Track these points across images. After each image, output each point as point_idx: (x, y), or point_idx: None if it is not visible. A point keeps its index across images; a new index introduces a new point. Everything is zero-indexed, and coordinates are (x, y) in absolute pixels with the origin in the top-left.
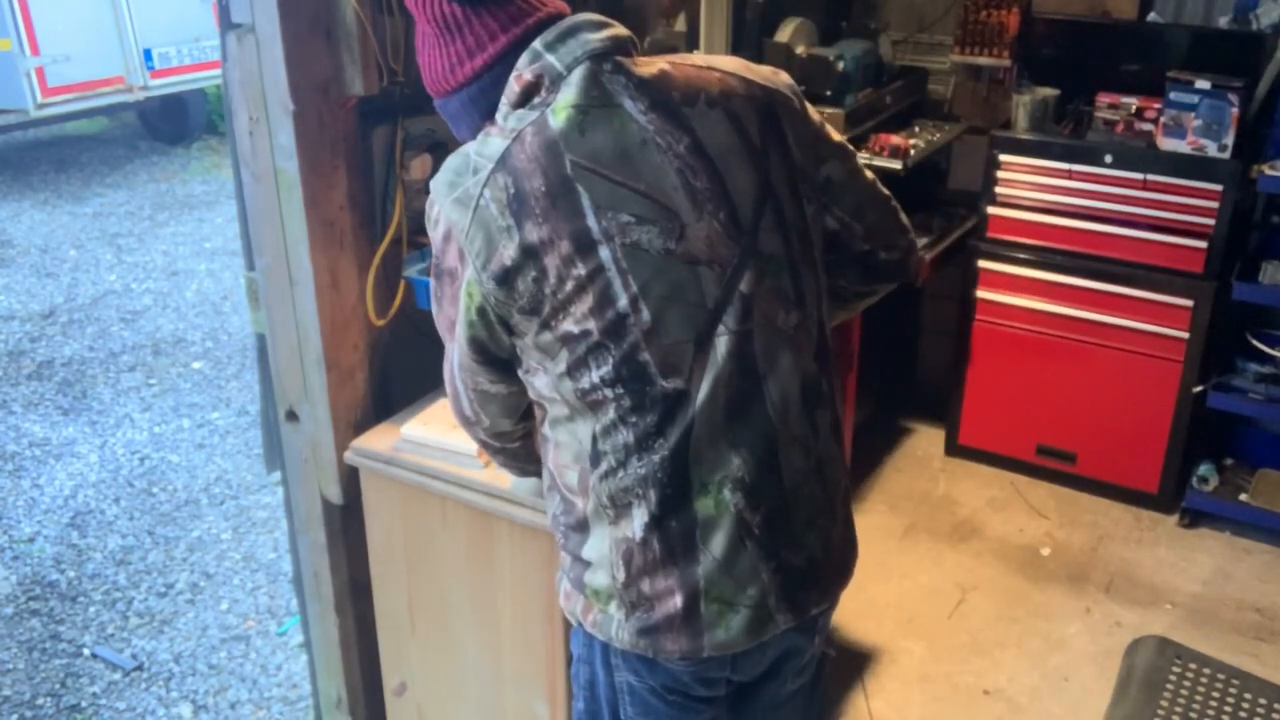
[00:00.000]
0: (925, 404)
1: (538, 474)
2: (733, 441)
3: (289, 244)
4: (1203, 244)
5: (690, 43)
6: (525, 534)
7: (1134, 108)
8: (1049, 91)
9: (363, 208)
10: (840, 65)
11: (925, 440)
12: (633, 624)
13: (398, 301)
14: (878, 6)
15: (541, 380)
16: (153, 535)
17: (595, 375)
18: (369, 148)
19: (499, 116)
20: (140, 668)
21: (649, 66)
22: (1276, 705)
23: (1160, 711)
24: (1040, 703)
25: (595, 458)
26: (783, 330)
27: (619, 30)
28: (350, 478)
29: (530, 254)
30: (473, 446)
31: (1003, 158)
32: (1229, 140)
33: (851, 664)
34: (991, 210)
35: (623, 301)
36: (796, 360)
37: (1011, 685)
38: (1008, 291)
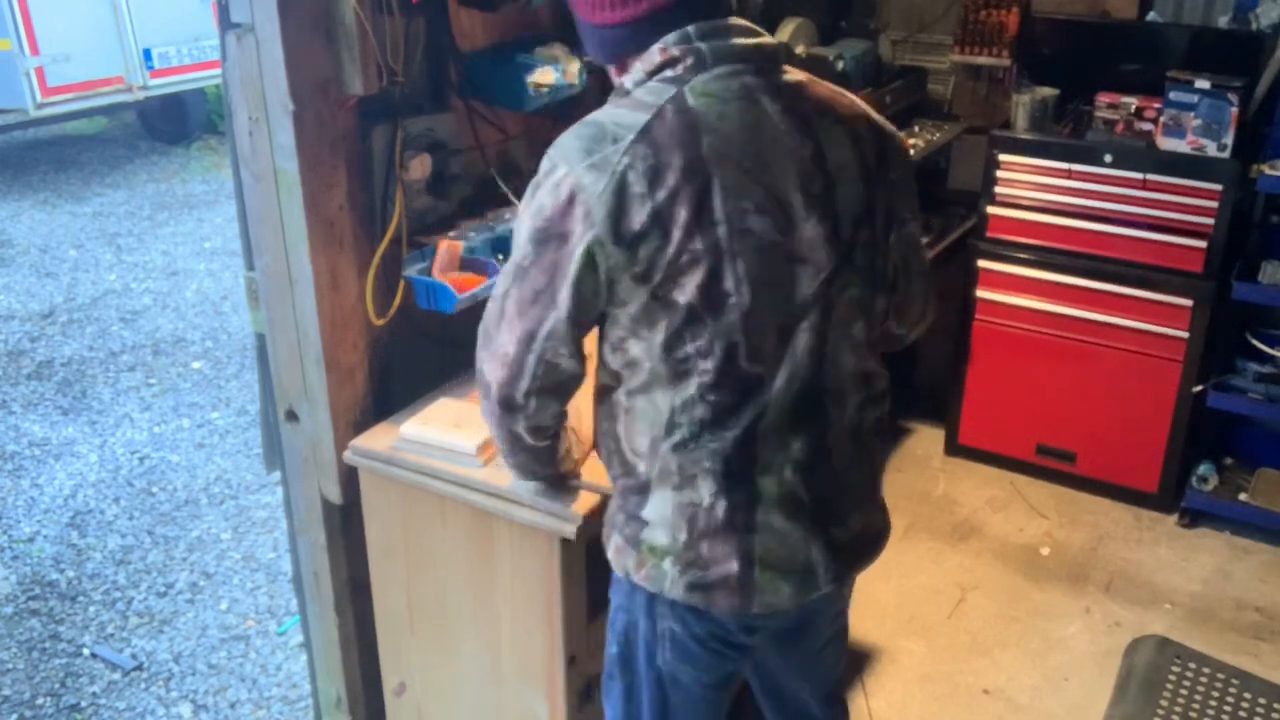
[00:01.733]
0: (925, 404)
1: (546, 478)
2: (795, 428)
3: (289, 244)
4: (1202, 244)
5: None
6: (525, 533)
7: (1133, 107)
8: (1049, 91)
9: (363, 208)
10: (840, 65)
11: (925, 440)
12: (686, 579)
13: (397, 301)
14: (878, 6)
15: (636, 348)
16: (152, 535)
17: (690, 347)
18: (369, 148)
19: (628, 81)
20: (140, 667)
21: (791, 75)
22: (1276, 705)
23: (1160, 711)
24: (1040, 702)
25: (670, 427)
26: (853, 336)
27: (767, 40)
28: (350, 477)
29: (658, 222)
30: (471, 445)
31: (1002, 157)
32: (1228, 140)
33: (852, 663)
34: (991, 210)
35: (729, 281)
36: (858, 364)
37: (1011, 685)
38: (1007, 291)
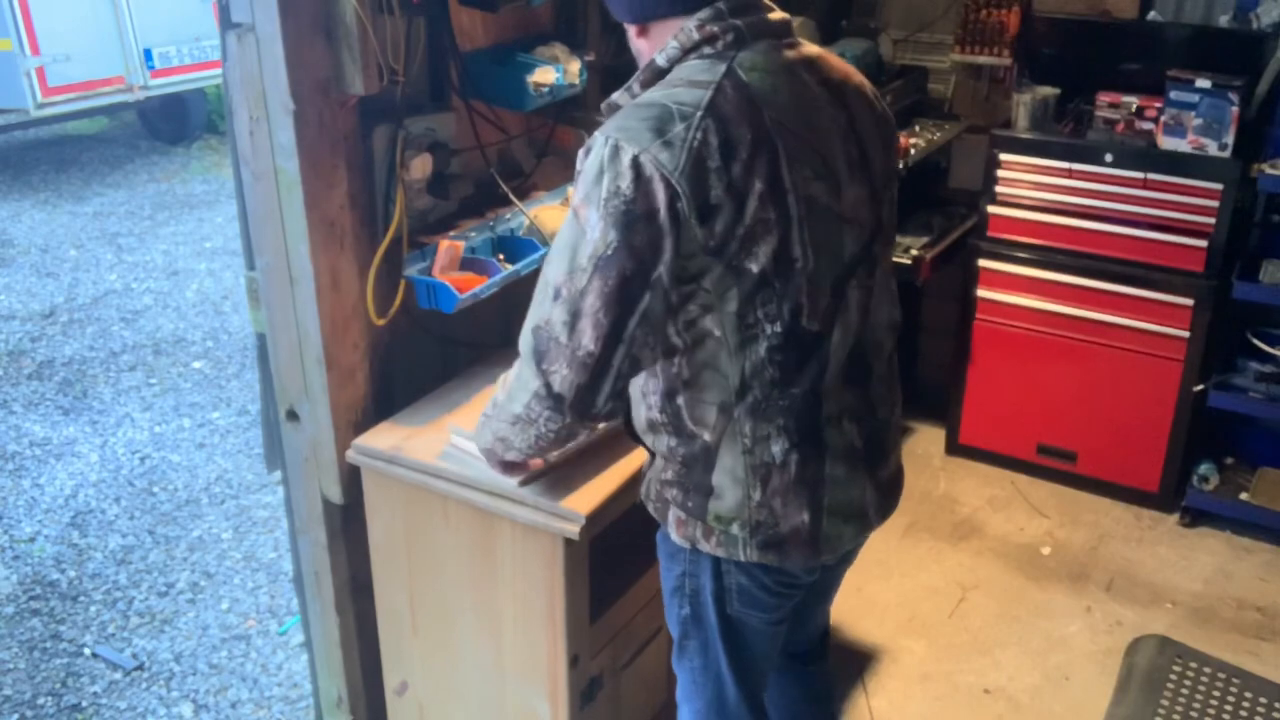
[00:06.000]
0: (925, 403)
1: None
2: (849, 380)
3: (289, 243)
4: (1203, 243)
5: None
6: (527, 533)
7: (1134, 106)
8: (1049, 90)
9: (363, 207)
10: None
11: (925, 439)
12: (758, 539)
13: (398, 301)
14: (878, 5)
15: (706, 320)
16: (153, 535)
17: (760, 312)
18: (369, 147)
19: (661, 57)
20: (141, 667)
21: (808, 48)
22: (1276, 704)
23: (1161, 710)
24: (1041, 701)
25: (742, 391)
26: (889, 290)
27: (784, 14)
28: (351, 477)
29: (733, 194)
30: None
31: (1003, 157)
32: (1229, 139)
33: (852, 663)
34: (992, 209)
35: (796, 248)
36: (890, 314)
37: (1012, 684)
38: (1008, 290)
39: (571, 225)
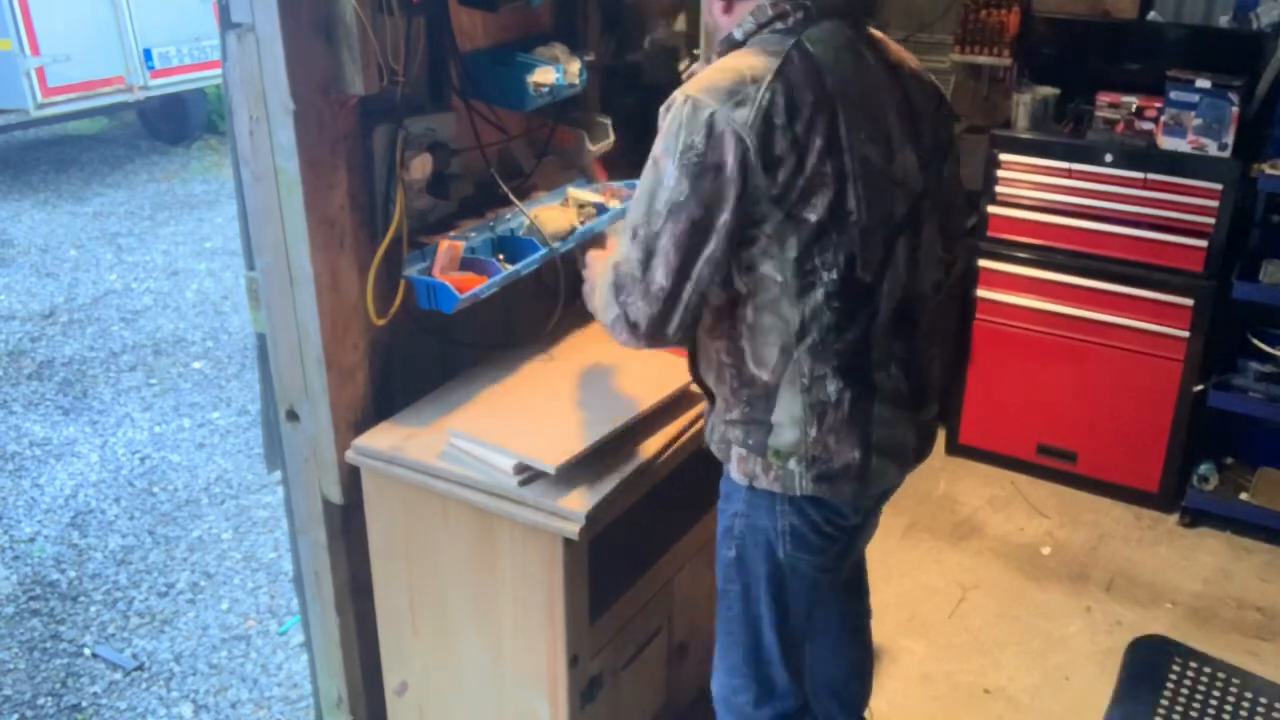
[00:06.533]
0: None
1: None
2: (897, 331)
3: (289, 243)
4: (1203, 243)
5: (690, 42)
6: (527, 533)
7: (1134, 106)
8: (1049, 90)
9: (363, 207)
10: None
11: None
12: (813, 473)
13: (398, 301)
14: (878, 6)
15: (767, 265)
16: (153, 535)
17: (818, 259)
18: (369, 147)
19: (738, 31)
20: (141, 667)
21: (871, 32)
22: (1277, 705)
23: (1160, 711)
24: (1041, 701)
25: (802, 334)
26: (934, 251)
27: None
28: (351, 477)
29: (796, 149)
30: (509, 464)
31: (1003, 157)
32: (1229, 139)
33: None
34: (992, 209)
35: (851, 200)
36: (934, 274)
37: (1012, 684)
38: (1008, 291)
39: (651, 173)
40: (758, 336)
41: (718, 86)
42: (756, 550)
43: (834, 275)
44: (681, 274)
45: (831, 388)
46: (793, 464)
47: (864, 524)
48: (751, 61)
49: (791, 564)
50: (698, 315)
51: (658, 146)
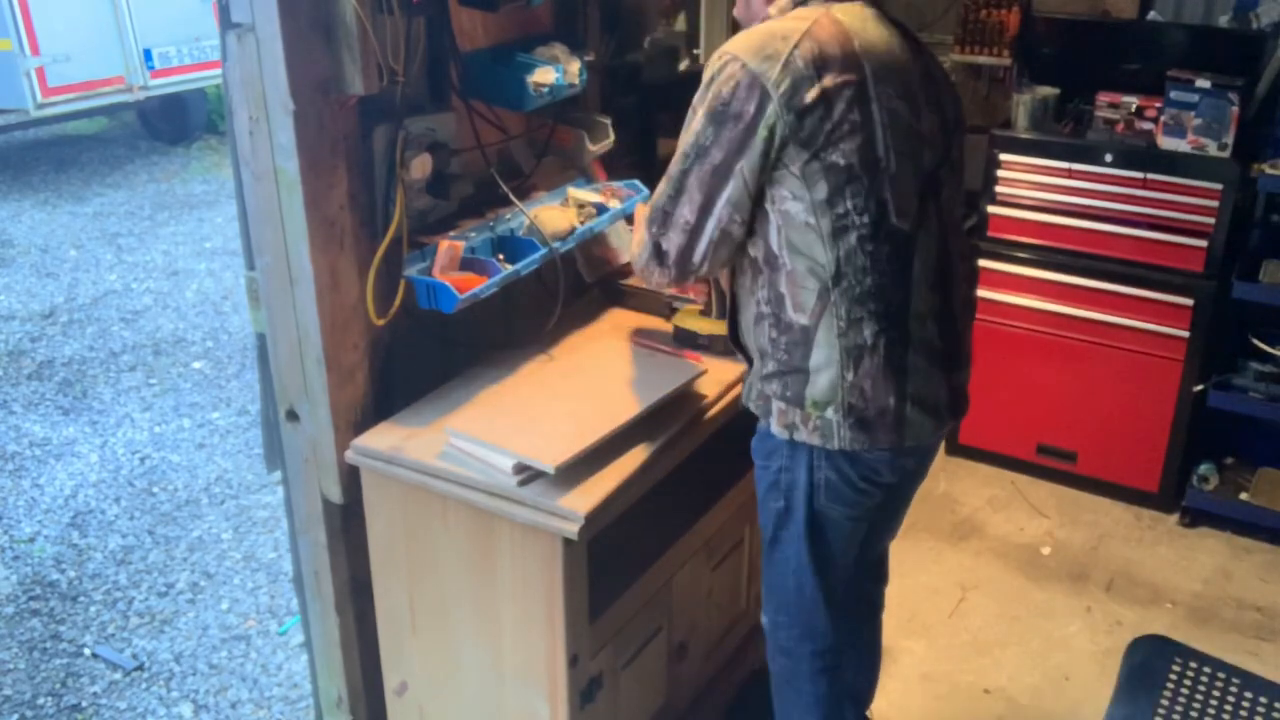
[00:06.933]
0: None
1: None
2: (933, 284)
3: (289, 243)
4: (1203, 243)
5: (690, 42)
6: (527, 533)
7: (1134, 106)
8: (1049, 90)
9: (363, 207)
10: None
11: None
12: (850, 421)
13: (398, 301)
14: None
15: (796, 207)
16: (153, 535)
17: (849, 203)
18: (369, 147)
19: (774, 9)
20: (141, 667)
21: (891, 16)
22: (1277, 705)
23: (1160, 711)
24: (1041, 702)
25: (838, 276)
26: (958, 225)
27: None
28: (351, 477)
29: (825, 97)
30: (509, 464)
31: (1003, 157)
32: (1229, 139)
33: None
34: (992, 209)
35: (880, 148)
36: (962, 243)
37: (1012, 684)
38: (1008, 291)
39: (689, 121)
40: (796, 281)
41: (750, 44)
42: (799, 500)
43: (866, 220)
44: (705, 210)
45: (868, 331)
46: (830, 412)
47: (899, 484)
48: (782, 24)
49: (824, 511)
50: (721, 253)
51: (696, 97)
